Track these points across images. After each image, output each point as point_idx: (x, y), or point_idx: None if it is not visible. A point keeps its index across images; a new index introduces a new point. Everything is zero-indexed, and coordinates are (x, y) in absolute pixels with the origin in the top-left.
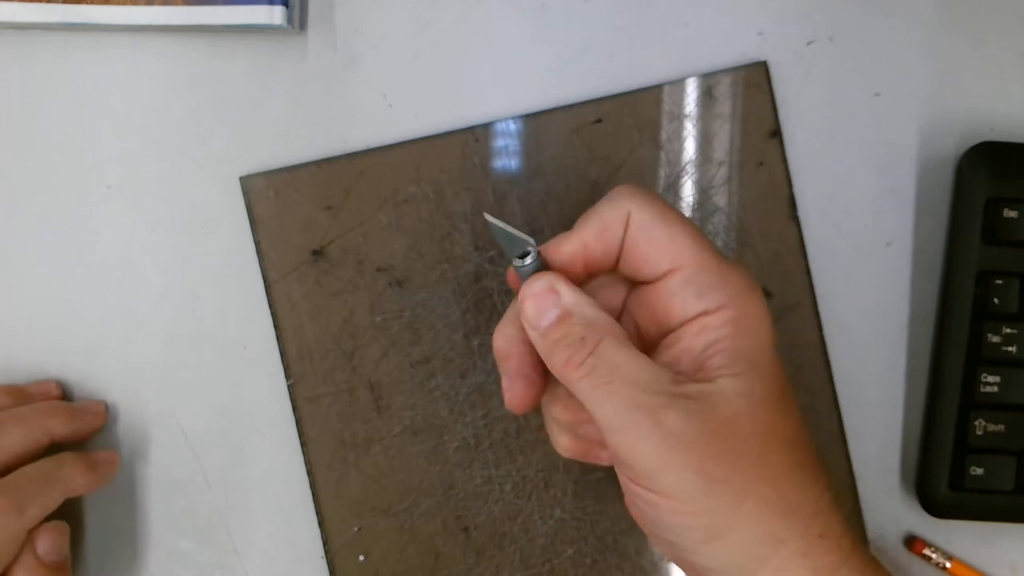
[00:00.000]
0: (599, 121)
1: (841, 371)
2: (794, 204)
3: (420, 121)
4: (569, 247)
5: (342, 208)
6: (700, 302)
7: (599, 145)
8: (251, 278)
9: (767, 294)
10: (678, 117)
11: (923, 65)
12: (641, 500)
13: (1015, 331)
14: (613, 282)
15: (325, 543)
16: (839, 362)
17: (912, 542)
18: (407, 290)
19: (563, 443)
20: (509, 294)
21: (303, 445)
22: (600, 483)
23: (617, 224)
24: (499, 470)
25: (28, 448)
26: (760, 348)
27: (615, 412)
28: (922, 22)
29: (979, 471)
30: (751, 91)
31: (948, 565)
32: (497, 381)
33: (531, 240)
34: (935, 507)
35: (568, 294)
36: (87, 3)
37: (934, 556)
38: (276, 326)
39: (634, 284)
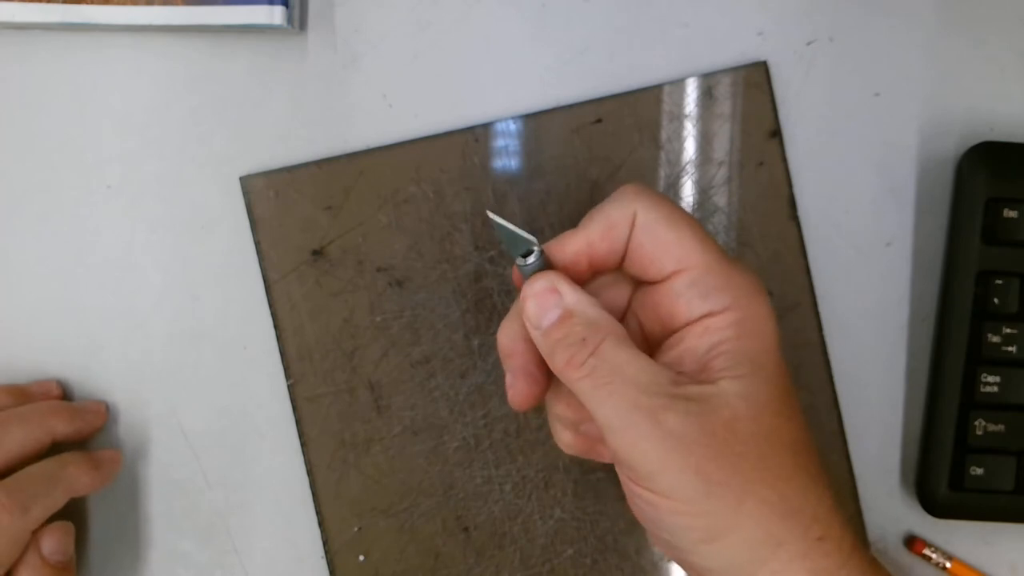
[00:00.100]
0: (599, 121)
1: (841, 371)
2: (794, 204)
3: (420, 121)
4: (573, 245)
5: (342, 208)
6: (704, 303)
7: (599, 145)
8: (251, 278)
9: (767, 294)
10: (678, 117)
11: (923, 65)
12: (641, 500)
13: (1015, 331)
14: (618, 281)
15: (325, 543)
16: (839, 362)
17: (912, 542)
18: (407, 290)
19: (565, 439)
20: (509, 294)
21: (303, 445)
22: (600, 483)
23: (623, 224)
24: (499, 470)
25: (30, 448)
26: (764, 350)
27: (615, 413)
28: (922, 22)
29: (979, 471)
30: (751, 91)
31: (948, 565)
32: (497, 381)
33: (534, 239)
34: (935, 507)
35: (570, 294)
36: (87, 3)
37: (934, 556)
38: (276, 326)
39: (639, 283)
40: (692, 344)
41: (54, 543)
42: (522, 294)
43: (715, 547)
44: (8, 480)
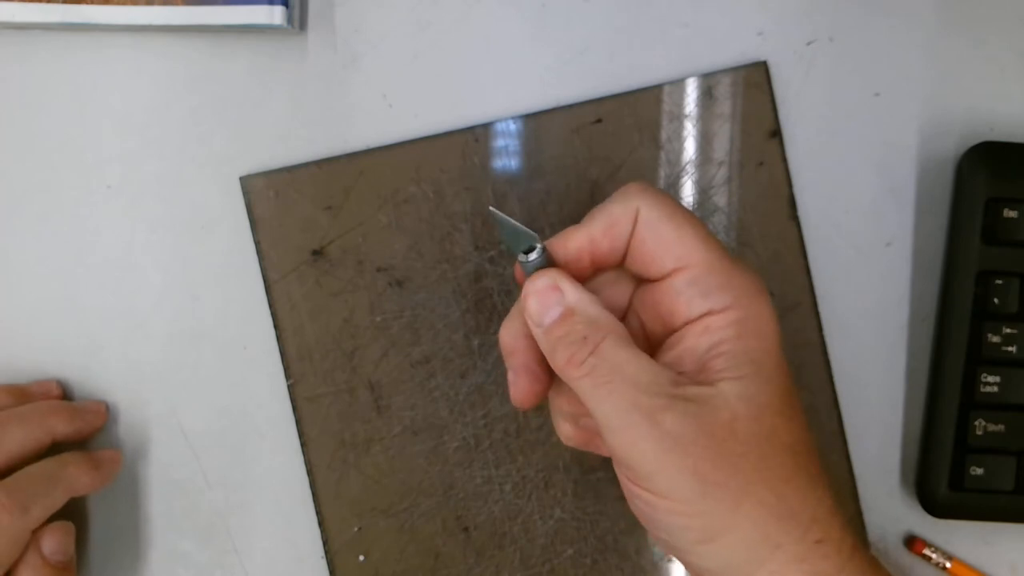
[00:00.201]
0: (599, 121)
1: (841, 371)
2: (794, 204)
3: (420, 121)
4: (576, 242)
5: (342, 208)
6: (705, 302)
7: (599, 145)
8: (251, 278)
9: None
10: (678, 117)
11: (923, 65)
12: (640, 500)
13: (1015, 331)
14: (619, 279)
15: (325, 543)
16: (839, 362)
17: (912, 542)
18: (407, 290)
19: (566, 432)
20: (509, 294)
21: (303, 445)
22: (600, 483)
23: (625, 220)
24: (499, 470)
25: (30, 447)
26: (765, 351)
27: (614, 412)
28: (922, 22)
29: (979, 471)
30: (751, 91)
31: (948, 565)
32: (497, 381)
33: (535, 235)
34: (935, 507)
35: (571, 292)
36: (87, 3)
37: (934, 556)
38: (276, 326)
39: (640, 281)
40: (692, 343)
41: (55, 543)
42: (524, 291)
43: (712, 548)
44: (8, 480)
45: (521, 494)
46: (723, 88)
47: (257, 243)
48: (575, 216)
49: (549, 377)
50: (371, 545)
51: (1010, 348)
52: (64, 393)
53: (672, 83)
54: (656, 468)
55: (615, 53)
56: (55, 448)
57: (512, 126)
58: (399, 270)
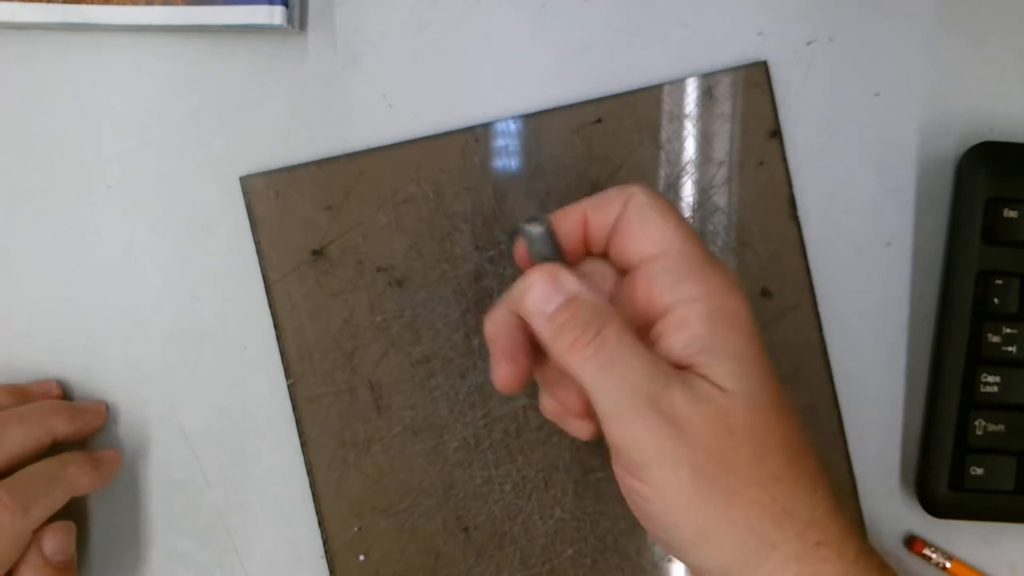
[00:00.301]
0: (599, 121)
1: (841, 371)
2: (794, 204)
3: (420, 121)
4: (572, 216)
5: (342, 208)
6: (676, 290)
7: (599, 145)
8: (251, 278)
9: (767, 294)
10: (678, 117)
11: (923, 65)
12: (636, 495)
13: (1015, 331)
14: (604, 271)
15: (325, 543)
16: (839, 362)
17: (912, 542)
18: (407, 290)
19: (543, 402)
20: None
21: (303, 445)
22: (600, 483)
23: (617, 202)
24: (499, 470)
25: (30, 447)
26: (746, 345)
27: (616, 396)
28: (922, 22)
29: (979, 471)
30: (751, 91)
31: (948, 565)
32: None
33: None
34: (935, 507)
35: (572, 282)
36: (87, 3)
37: (934, 556)
38: (276, 326)
39: (622, 273)
40: (671, 340)
41: (55, 543)
42: (524, 281)
43: (707, 550)
44: (9, 480)
45: (521, 494)
46: (723, 88)
47: (257, 243)
48: None
49: (528, 364)
50: (371, 545)
51: (1010, 348)
52: (64, 393)
53: (672, 83)
54: (653, 456)
55: (615, 53)
56: (55, 448)
57: (512, 126)
58: (399, 270)
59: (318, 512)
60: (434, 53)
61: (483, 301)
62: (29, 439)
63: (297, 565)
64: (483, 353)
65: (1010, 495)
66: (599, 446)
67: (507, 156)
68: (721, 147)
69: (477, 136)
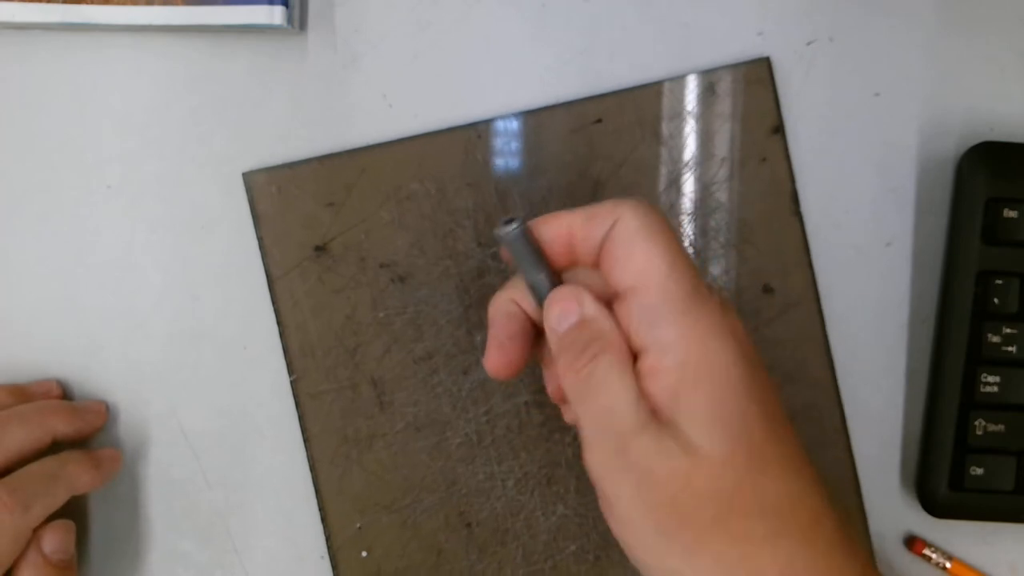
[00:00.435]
0: (599, 121)
1: (841, 371)
2: (796, 200)
3: (420, 121)
4: (556, 224)
5: (344, 205)
6: (651, 333)
7: (601, 142)
8: (251, 277)
9: (769, 290)
10: (679, 114)
11: (923, 65)
12: (610, 523)
13: (1015, 331)
14: (599, 287)
15: (328, 539)
16: (839, 362)
17: (912, 542)
18: (409, 286)
19: (549, 388)
20: None
21: (306, 442)
22: None
23: (606, 218)
24: (501, 466)
25: (30, 447)
26: (719, 400)
27: (591, 426)
28: (922, 22)
29: (979, 471)
30: (753, 87)
31: (948, 565)
32: None
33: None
34: (935, 507)
35: (590, 305)
36: (87, 3)
37: (934, 556)
38: (279, 322)
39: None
40: (646, 384)
41: (55, 541)
42: (549, 299)
43: None
44: (9, 478)
45: (523, 490)
46: (725, 84)
47: (260, 239)
48: None
49: (520, 355)
50: (374, 541)
51: (1010, 348)
52: (64, 393)
53: (673, 80)
54: (618, 494)
55: (615, 53)
56: (55, 447)
57: (514, 123)
58: (401, 266)
59: (320, 509)
60: (434, 53)
61: (485, 298)
62: (29, 439)
63: (297, 564)
64: (485, 349)
65: (1010, 495)
66: None
67: (509, 153)
68: (723, 144)
69: (479, 133)
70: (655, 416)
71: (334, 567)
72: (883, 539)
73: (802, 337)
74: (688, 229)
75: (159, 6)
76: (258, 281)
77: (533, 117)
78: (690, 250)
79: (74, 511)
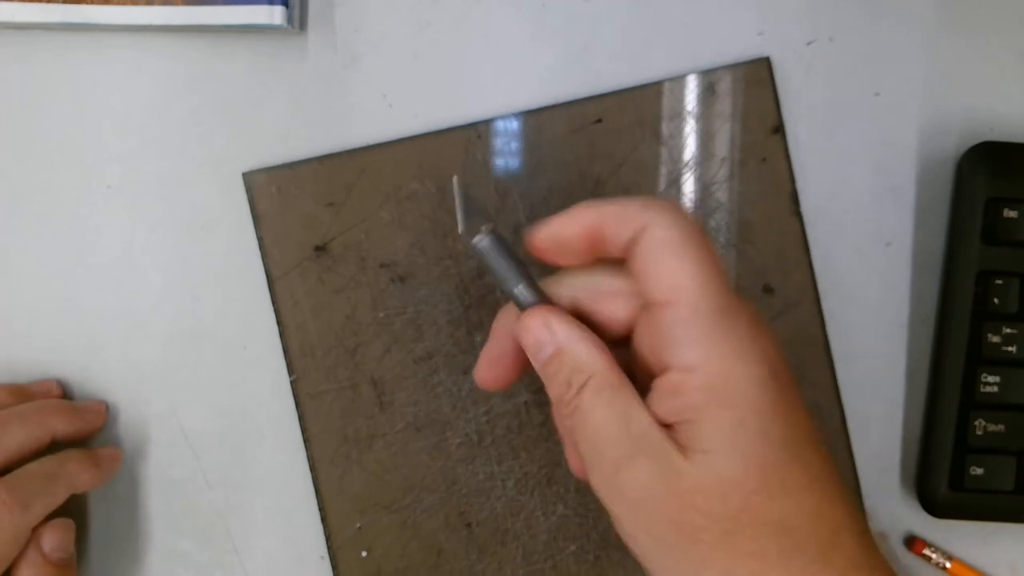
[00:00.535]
0: (599, 121)
1: (841, 371)
2: (797, 200)
3: (420, 121)
4: (583, 220)
5: (344, 204)
6: (674, 353)
7: (601, 142)
8: (251, 277)
9: (769, 290)
10: (680, 114)
11: (923, 65)
12: (619, 532)
13: (1015, 331)
14: (627, 288)
15: (328, 539)
16: (839, 362)
17: (912, 542)
18: (409, 286)
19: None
20: None
21: (306, 442)
22: None
23: (634, 222)
24: (501, 466)
25: (30, 446)
26: (739, 422)
27: (588, 457)
28: (922, 22)
29: (979, 471)
30: (753, 87)
31: (948, 565)
32: None
33: (486, 221)
34: (935, 507)
35: (561, 330)
36: (87, 3)
37: (934, 556)
38: (279, 322)
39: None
40: (662, 402)
41: (55, 540)
42: (520, 326)
43: None
44: (9, 477)
45: (523, 490)
46: (725, 84)
47: (260, 239)
48: None
49: (508, 373)
50: (374, 541)
51: (1010, 348)
52: (64, 392)
53: (673, 80)
54: (619, 514)
55: (615, 53)
56: (55, 447)
57: (514, 123)
58: (402, 266)
59: (320, 509)
60: (434, 53)
61: (485, 298)
62: (29, 438)
63: (297, 564)
64: None
65: (1010, 495)
66: None
67: (509, 153)
68: (723, 144)
69: (479, 132)
70: (666, 433)
71: (334, 567)
72: (883, 539)
73: (802, 337)
74: None
75: (159, 6)
76: (258, 281)
77: (533, 117)
78: None
79: (74, 510)
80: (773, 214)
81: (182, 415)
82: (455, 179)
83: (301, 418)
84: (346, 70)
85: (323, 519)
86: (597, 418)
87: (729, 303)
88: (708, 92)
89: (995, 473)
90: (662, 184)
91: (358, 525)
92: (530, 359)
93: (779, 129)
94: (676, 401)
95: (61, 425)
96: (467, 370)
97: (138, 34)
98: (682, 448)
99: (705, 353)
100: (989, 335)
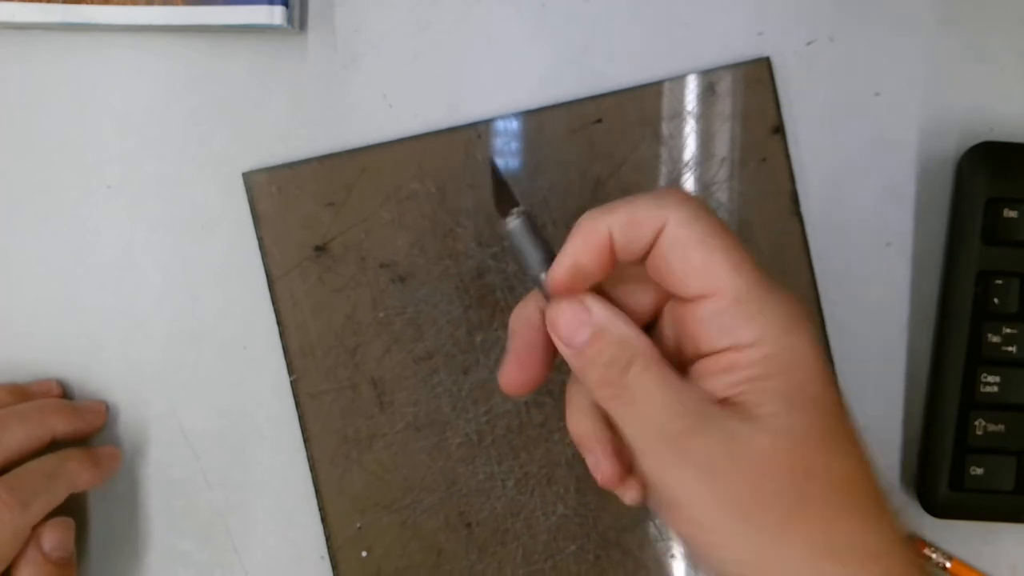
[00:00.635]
0: (600, 120)
1: (841, 371)
2: (797, 200)
3: (420, 121)
4: (594, 235)
5: (344, 204)
6: (727, 337)
7: (601, 142)
8: (251, 277)
9: None
10: (680, 114)
11: (923, 65)
12: (681, 532)
13: (1015, 331)
14: (646, 281)
15: (328, 539)
16: (839, 362)
17: (912, 542)
18: (409, 286)
19: (569, 420)
20: (512, 290)
21: (306, 442)
22: None
23: (648, 226)
24: (501, 466)
25: (30, 446)
26: (800, 386)
27: (642, 435)
28: (922, 22)
29: (979, 471)
30: (754, 87)
31: (948, 565)
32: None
33: (519, 204)
34: (935, 507)
35: (600, 311)
36: (87, 3)
37: (934, 556)
38: (279, 322)
39: (663, 292)
40: (715, 381)
41: (55, 539)
42: (553, 311)
43: None
44: (8, 476)
45: (523, 490)
46: (725, 84)
47: (260, 239)
48: (578, 213)
49: (538, 371)
50: (374, 541)
51: (1010, 348)
52: (64, 392)
53: (673, 79)
54: (685, 497)
55: (615, 53)
56: (54, 446)
57: (514, 123)
58: (402, 266)
59: (320, 509)
60: (434, 53)
61: (485, 297)
62: (29, 437)
63: (297, 564)
64: (485, 349)
65: (1010, 495)
66: None
67: (509, 153)
68: (723, 144)
69: (480, 132)
70: (723, 406)
71: (334, 567)
72: None
73: None
74: None
75: (159, 6)
76: (258, 281)
77: (533, 117)
78: None
79: (74, 510)
80: (773, 214)
81: (182, 415)
82: (492, 158)
83: (301, 418)
84: (346, 70)
85: (323, 519)
86: (653, 394)
87: (763, 280)
88: (708, 92)
89: (995, 473)
90: (662, 184)
91: (358, 525)
92: (562, 346)
93: (779, 129)
94: (729, 377)
95: (61, 425)
96: (467, 370)
97: (138, 34)
98: (743, 416)
99: (759, 331)
100: (989, 335)
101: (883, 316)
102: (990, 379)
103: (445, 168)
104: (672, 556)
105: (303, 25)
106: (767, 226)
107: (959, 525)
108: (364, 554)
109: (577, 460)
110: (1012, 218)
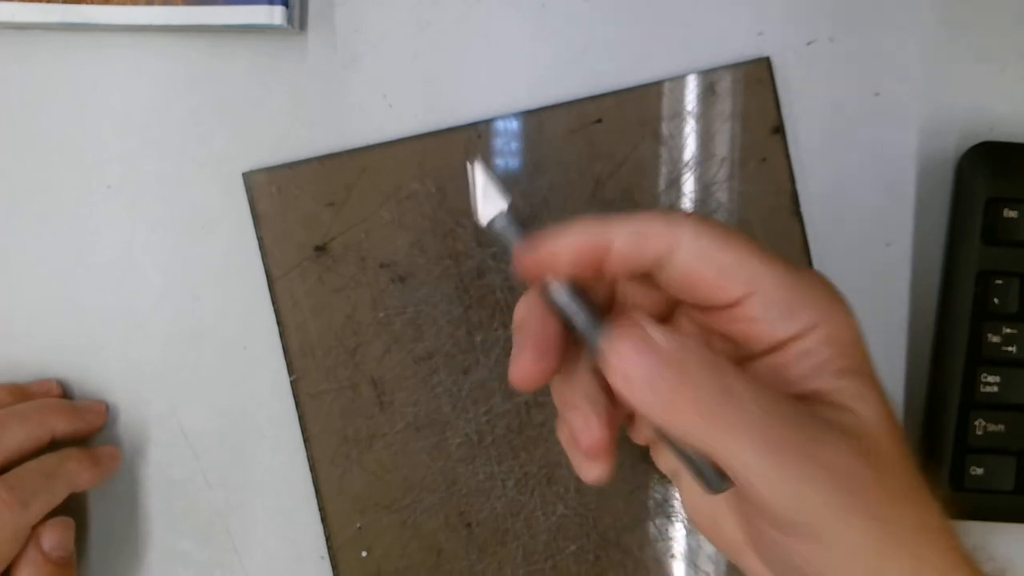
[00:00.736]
0: (600, 120)
1: None
2: (797, 200)
3: (420, 121)
4: (584, 237)
5: (344, 204)
6: (791, 324)
7: (601, 142)
8: (251, 277)
9: None
10: (680, 114)
11: (923, 65)
12: (795, 556)
13: (1015, 331)
14: (649, 287)
15: (328, 539)
16: None
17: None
18: (409, 286)
19: (561, 429)
20: (512, 290)
21: (306, 442)
22: None
23: (658, 241)
24: (501, 466)
25: (30, 446)
26: (863, 362)
27: (761, 455)
28: (922, 22)
29: (979, 471)
30: (754, 87)
31: None
32: (500, 377)
33: (504, 201)
34: None
35: (662, 335)
36: (87, 3)
37: None
38: (279, 322)
39: (691, 306)
40: (790, 372)
41: (55, 539)
42: (610, 353)
43: None
44: (8, 475)
45: (523, 490)
46: (725, 84)
47: (260, 239)
48: (578, 213)
49: (556, 363)
50: (373, 541)
51: (1010, 348)
52: (64, 392)
53: (673, 79)
54: (821, 510)
55: (614, 53)
56: (54, 446)
57: (514, 123)
58: (402, 266)
59: (320, 509)
60: (434, 53)
61: (486, 297)
62: (29, 437)
63: (297, 564)
64: (485, 349)
65: (1010, 495)
66: None
67: (509, 153)
68: (723, 144)
69: (479, 133)
70: (808, 402)
71: (334, 567)
72: None
73: None
74: None
75: (159, 6)
76: (258, 281)
77: (533, 117)
78: None
79: (74, 509)
80: (773, 214)
81: (182, 415)
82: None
83: (301, 418)
84: (346, 70)
85: (323, 519)
86: (765, 406)
87: (795, 268)
88: (708, 92)
89: (995, 473)
90: (662, 184)
91: (358, 525)
92: (626, 387)
93: (779, 129)
94: (809, 361)
95: (61, 424)
96: (467, 370)
97: (138, 34)
98: (835, 408)
99: (816, 310)
100: (989, 335)
101: (883, 316)
102: (990, 379)
103: (445, 168)
104: (672, 556)
105: (303, 25)
106: (767, 226)
107: (959, 525)
108: (364, 554)
109: None
110: (1012, 218)
